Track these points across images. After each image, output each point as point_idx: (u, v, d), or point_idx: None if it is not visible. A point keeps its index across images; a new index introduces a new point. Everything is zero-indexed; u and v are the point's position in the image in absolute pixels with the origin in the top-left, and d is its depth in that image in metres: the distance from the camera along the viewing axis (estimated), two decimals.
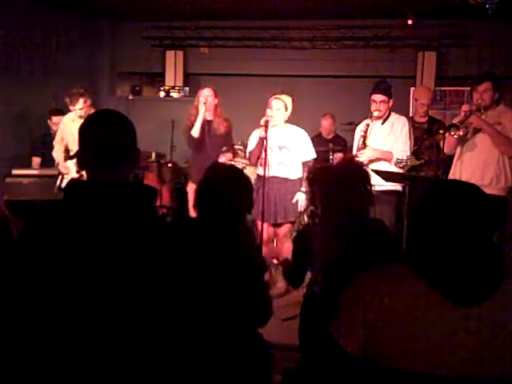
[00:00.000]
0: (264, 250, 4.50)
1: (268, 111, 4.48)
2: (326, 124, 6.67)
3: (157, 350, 1.33)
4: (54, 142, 5.04)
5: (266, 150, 4.39)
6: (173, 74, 7.92)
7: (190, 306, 1.39)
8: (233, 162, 6.55)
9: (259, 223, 4.64)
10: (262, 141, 4.40)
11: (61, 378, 1.31)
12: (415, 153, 4.89)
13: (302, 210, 5.18)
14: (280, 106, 4.51)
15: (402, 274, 1.46)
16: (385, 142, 4.39)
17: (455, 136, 4.02)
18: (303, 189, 4.53)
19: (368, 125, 4.38)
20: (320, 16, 7.21)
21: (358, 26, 7.33)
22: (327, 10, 6.89)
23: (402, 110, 5.71)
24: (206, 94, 4.97)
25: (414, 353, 1.38)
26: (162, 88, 7.93)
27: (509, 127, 4.00)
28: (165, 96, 7.91)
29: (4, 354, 1.35)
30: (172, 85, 7.90)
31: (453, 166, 4.27)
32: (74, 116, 4.86)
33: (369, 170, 4.25)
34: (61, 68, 6.83)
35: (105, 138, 1.43)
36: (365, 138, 4.36)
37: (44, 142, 5.87)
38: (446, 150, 4.27)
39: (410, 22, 6.89)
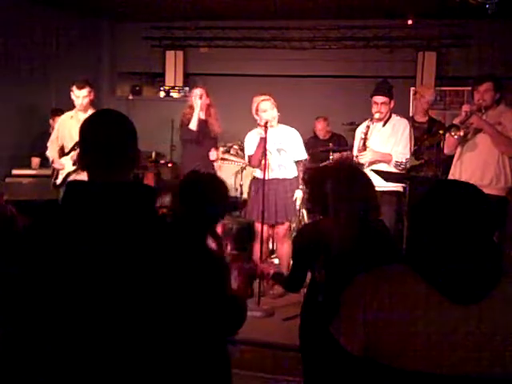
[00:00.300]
0: (258, 248, 4.54)
1: (263, 115, 4.47)
2: (319, 127, 6.74)
3: (157, 349, 1.33)
4: (49, 142, 5.02)
5: (266, 152, 4.39)
6: (173, 74, 7.93)
7: (188, 306, 1.39)
8: (229, 163, 6.58)
9: (257, 224, 4.65)
10: (263, 142, 4.40)
11: (61, 378, 1.31)
12: (415, 153, 4.90)
13: (299, 208, 5.21)
14: (270, 106, 4.51)
15: (402, 273, 1.46)
16: (385, 144, 4.39)
17: (456, 136, 4.02)
18: (300, 186, 4.60)
19: (368, 127, 4.37)
20: (320, 16, 7.21)
21: (357, 26, 7.33)
22: (327, 10, 6.90)
23: (402, 110, 5.71)
24: (197, 94, 5.04)
25: (414, 352, 1.38)
26: (162, 88, 7.95)
27: (509, 127, 4.00)
28: (165, 96, 7.92)
29: (4, 353, 1.35)
30: (172, 85, 7.91)
31: (453, 166, 4.27)
32: (73, 112, 4.85)
33: (368, 170, 4.29)
34: (61, 68, 6.84)
35: (105, 137, 1.43)
36: (365, 140, 4.36)
37: (43, 142, 5.87)
38: (445, 151, 4.27)
39: (409, 21, 6.90)
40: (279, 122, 4.64)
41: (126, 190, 1.39)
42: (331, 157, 6.20)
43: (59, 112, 5.95)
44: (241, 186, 6.21)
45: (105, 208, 1.34)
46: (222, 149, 6.57)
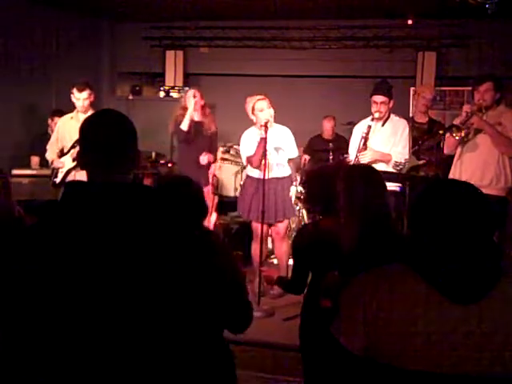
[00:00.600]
0: (257, 248, 4.54)
1: (260, 114, 4.47)
2: (328, 126, 6.65)
3: (159, 347, 1.34)
4: (48, 144, 5.02)
5: (266, 152, 4.40)
6: (173, 74, 7.93)
7: (187, 305, 1.39)
8: (229, 163, 6.58)
9: (256, 224, 4.65)
10: (263, 142, 4.40)
11: (60, 378, 1.31)
12: (416, 153, 4.90)
13: (299, 208, 5.23)
14: (269, 106, 4.51)
15: (402, 273, 1.46)
16: (385, 144, 4.39)
17: (457, 137, 4.02)
18: (294, 182, 4.75)
19: (370, 126, 4.37)
20: (320, 16, 7.22)
21: (358, 25, 7.33)
22: (327, 10, 6.90)
23: (402, 110, 5.72)
24: (190, 95, 5.02)
25: (414, 351, 1.39)
26: (162, 88, 7.94)
27: (509, 128, 4.00)
28: (165, 96, 7.91)
29: (4, 352, 1.35)
30: (172, 85, 7.91)
31: (453, 166, 4.27)
32: (74, 113, 4.85)
33: None
34: (61, 68, 6.84)
35: (105, 137, 1.43)
36: (366, 139, 4.36)
37: (43, 142, 5.88)
38: (446, 151, 4.27)
39: (410, 21, 6.90)
40: (275, 121, 4.65)
41: (125, 190, 1.39)
42: (331, 157, 6.20)
43: (58, 113, 5.96)
44: (241, 186, 6.21)
45: (104, 208, 1.34)
46: (221, 149, 6.57)
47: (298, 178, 5.66)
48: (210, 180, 5.20)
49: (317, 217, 2.62)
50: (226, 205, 6.14)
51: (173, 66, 7.93)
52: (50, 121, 6.04)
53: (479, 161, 4.10)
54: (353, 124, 4.82)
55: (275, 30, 7.61)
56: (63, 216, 1.36)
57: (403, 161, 4.38)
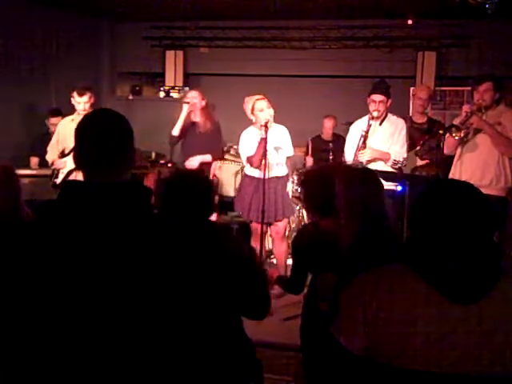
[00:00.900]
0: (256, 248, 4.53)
1: (259, 114, 4.47)
2: (328, 125, 6.63)
3: (155, 348, 1.33)
4: (49, 146, 5.01)
5: (266, 151, 4.40)
6: (173, 74, 7.93)
7: (187, 303, 1.39)
8: (229, 163, 6.56)
9: (255, 224, 4.66)
10: (264, 142, 4.40)
11: (59, 378, 1.31)
12: (418, 153, 4.90)
13: (299, 208, 5.23)
14: (268, 106, 4.51)
15: (402, 273, 1.46)
16: (383, 143, 4.40)
17: (456, 137, 4.02)
18: (291, 179, 4.84)
19: (370, 125, 4.38)
20: (320, 16, 7.21)
21: (358, 25, 7.33)
22: (327, 10, 6.89)
23: (402, 110, 5.71)
24: (191, 96, 5.01)
25: (414, 351, 1.39)
26: (162, 88, 7.94)
27: (509, 128, 4.01)
28: (165, 96, 7.91)
29: (2, 351, 1.34)
30: (172, 85, 7.90)
31: (453, 166, 4.28)
32: (75, 115, 4.85)
33: None
34: (61, 68, 6.84)
35: (101, 137, 1.43)
36: (366, 138, 4.37)
37: (43, 142, 5.87)
38: (445, 151, 4.27)
39: (410, 21, 6.89)
40: (274, 121, 4.65)
41: (122, 189, 1.39)
42: (331, 157, 6.19)
43: (57, 113, 5.95)
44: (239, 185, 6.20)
45: (101, 208, 1.34)
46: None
47: (295, 178, 5.65)
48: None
49: (316, 217, 2.61)
50: (226, 204, 6.13)
51: (173, 66, 7.92)
52: (47, 121, 6.03)
53: (479, 161, 4.11)
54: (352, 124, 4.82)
55: (275, 30, 7.60)
56: (60, 215, 1.36)
57: (401, 159, 4.39)
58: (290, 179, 5.00)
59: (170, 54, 7.92)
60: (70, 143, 4.78)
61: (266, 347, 3.69)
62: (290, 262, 3.86)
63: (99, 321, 1.30)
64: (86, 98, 4.72)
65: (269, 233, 5.02)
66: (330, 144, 6.40)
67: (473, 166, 4.12)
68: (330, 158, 6.18)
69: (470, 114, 4.01)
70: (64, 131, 4.89)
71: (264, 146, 4.40)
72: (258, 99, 4.52)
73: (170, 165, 6.74)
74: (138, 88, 8.19)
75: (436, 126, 5.07)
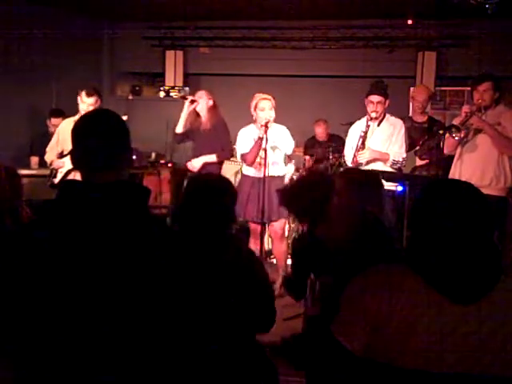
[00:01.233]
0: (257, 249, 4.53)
1: (260, 113, 4.47)
2: (319, 130, 6.69)
3: (155, 352, 1.33)
4: (48, 147, 5.01)
5: (265, 151, 4.39)
6: (173, 74, 7.93)
7: (189, 306, 1.39)
8: (229, 162, 6.54)
9: (252, 224, 4.65)
10: (261, 141, 4.40)
11: (58, 378, 1.31)
12: (417, 153, 4.91)
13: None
14: (270, 106, 4.51)
15: (402, 273, 1.46)
16: (382, 144, 4.40)
17: (456, 138, 4.02)
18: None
19: (369, 126, 4.39)
20: (320, 16, 7.21)
21: (358, 25, 7.33)
22: (327, 10, 6.89)
23: (402, 110, 5.72)
24: (198, 95, 5.00)
25: (414, 351, 1.39)
26: (162, 88, 7.94)
27: (509, 128, 4.00)
28: (165, 96, 7.90)
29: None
30: (172, 85, 7.90)
31: (453, 166, 4.27)
32: (76, 117, 4.85)
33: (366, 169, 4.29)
34: (61, 68, 6.83)
35: (97, 138, 1.43)
36: (365, 138, 4.37)
37: (43, 143, 5.87)
38: (445, 151, 4.27)
39: (409, 21, 6.89)
40: (275, 121, 4.65)
41: (120, 189, 1.39)
42: (330, 157, 6.20)
43: (58, 113, 5.95)
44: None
45: (99, 208, 1.34)
46: None
47: (295, 178, 5.64)
48: None
49: (311, 227, 2.61)
50: None
51: (173, 66, 7.92)
52: (48, 121, 6.04)
53: (479, 161, 4.10)
54: (353, 124, 4.82)
55: (275, 30, 7.60)
56: (59, 215, 1.36)
57: (401, 159, 4.39)
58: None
59: (169, 54, 7.92)
60: (70, 145, 4.77)
61: (265, 347, 3.69)
62: (289, 261, 3.85)
63: (100, 322, 1.30)
64: (92, 99, 4.72)
65: (268, 233, 5.02)
66: (330, 144, 6.40)
67: (473, 166, 4.12)
68: (330, 157, 6.18)
69: (469, 115, 4.01)
70: (64, 133, 4.88)
71: (260, 145, 4.41)
72: (263, 98, 4.53)
73: (170, 165, 6.75)
74: (137, 88, 8.19)
75: (436, 125, 5.08)
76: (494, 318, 1.38)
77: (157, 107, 7.52)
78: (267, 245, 5.41)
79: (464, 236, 1.41)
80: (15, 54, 6.43)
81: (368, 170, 2.84)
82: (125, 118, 1.64)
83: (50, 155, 4.98)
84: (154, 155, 6.95)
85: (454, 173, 4.22)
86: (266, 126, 4.38)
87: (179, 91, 7.80)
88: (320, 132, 6.67)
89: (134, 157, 5.53)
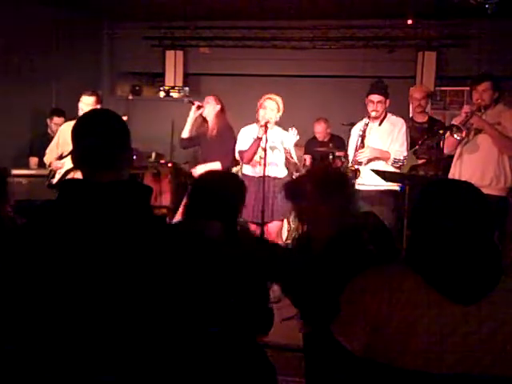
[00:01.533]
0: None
1: (261, 112, 4.47)
2: (319, 128, 6.65)
3: (155, 352, 1.33)
4: (48, 149, 5.01)
5: (265, 151, 4.39)
6: (173, 74, 7.92)
7: (189, 307, 1.39)
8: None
9: (251, 225, 4.64)
10: (259, 141, 4.40)
11: (58, 378, 1.31)
12: (416, 152, 4.90)
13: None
14: (274, 107, 4.50)
15: (402, 273, 1.46)
16: (383, 143, 4.41)
17: (458, 138, 4.03)
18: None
19: (367, 124, 4.39)
20: (320, 16, 7.21)
21: (358, 25, 7.32)
22: (327, 10, 6.89)
23: (402, 110, 5.71)
24: (206, 101, 4.97)
25: (414, 351, 1.39)
26: (161, 88, 7.93)
27: (509, 127, 4.01)
28: (165, 96, 7.90)
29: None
30: (172, 85, 7.90)
31: (453, 166, 4.28)
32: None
33: (368, 170, 4.30)
34: (60, 68, 6.83)
35: (97, 137, 1.43)
36: (363, 137, 4.38)
37: (42, 143, 5.87)
38: (445, 151, 4.27)
39: (409, 21, 6.89)
40: (280, 124, 4.66)
41: (120, 188, 1.39)
42: (331, 157, 6.20)
43: (58, 113, 5.95)
44: None
45: (100, 207, 1.34)
46: None
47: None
48: None
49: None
50: None
51: (173, 66, 7.91)
52: (48, 121, 6.04)
53: (479, 161, 4.11)
54: (354, 125, 4.82)
55: (275, 30, 7.60)
56: (60, 214, 1.36)
57: (402, 158, 4.39)
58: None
59: (169, 54, 7.91)
60: (70, 147, 4.76)
61: (265, 347, 3.69)
62: None
63: (100, 322, 1.30)
64: (92, 98, 4.71)
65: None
66: (331, 144, 6.40)
67: (473, 165, 4.12)
68: (331, 157, 6.18)
69: (470, 115, 4.01)
70: (64, 135, 4.88)
71: (258, 144, 4.41)
72: (268, 98, 4.52)
73: (169, 165, 6.75)
74: (137, 88, 8.18)
75: (437, 124, 5.08)
76: (494, 319, 1.38)
77: (157, 107, 7.52)
78: None
79: (464, 236, 1.41)
80: (15, 54, 6.43)
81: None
82: (125, 118, 1.64)
83: (49, 157, 4.98)
84: (154, 155, 6.95)
85: (454, 173, 4.22)
86: (266, 127, 4.38)
87: (179, 91, 7.80)
88: (320, 131, 6.65)
89: (135, 157, 5.53)
